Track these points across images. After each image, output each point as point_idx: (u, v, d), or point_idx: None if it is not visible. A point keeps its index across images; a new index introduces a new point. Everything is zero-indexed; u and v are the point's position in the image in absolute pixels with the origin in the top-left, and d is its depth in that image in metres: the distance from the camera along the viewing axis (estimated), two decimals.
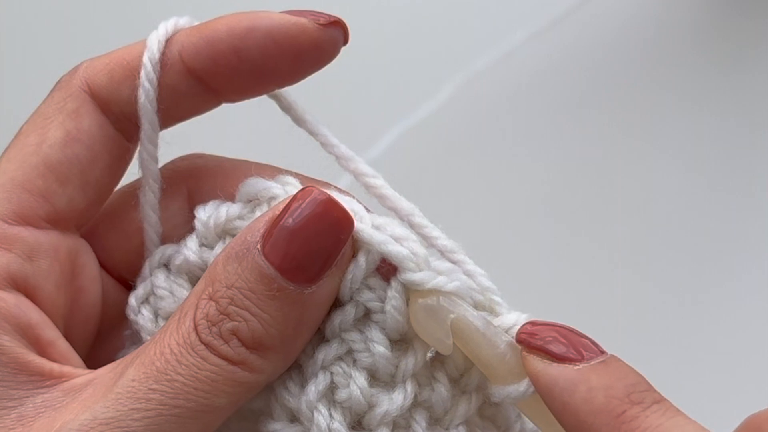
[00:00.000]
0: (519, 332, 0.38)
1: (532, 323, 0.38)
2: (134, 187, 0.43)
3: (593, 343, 0.37)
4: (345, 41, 0.41)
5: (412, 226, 0.41)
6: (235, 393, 0.37)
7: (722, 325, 0.82)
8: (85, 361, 0.40)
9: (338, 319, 0.39)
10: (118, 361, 0.38)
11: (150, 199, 0.42)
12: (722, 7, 0.90)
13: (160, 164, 0.43)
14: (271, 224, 0.37)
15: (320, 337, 0.39)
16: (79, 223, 0.41)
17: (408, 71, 0.88)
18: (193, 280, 0.41)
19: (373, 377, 0.39)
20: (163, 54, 0.41)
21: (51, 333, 0.39)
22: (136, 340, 0.42)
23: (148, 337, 0.40)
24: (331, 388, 0.39)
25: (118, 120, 0.41)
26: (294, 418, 0.39)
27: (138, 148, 0.42)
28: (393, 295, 0.39)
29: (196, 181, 0.43)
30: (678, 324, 0.83)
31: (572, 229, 0.85)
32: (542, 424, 0.38)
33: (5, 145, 0.41)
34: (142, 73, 0.40)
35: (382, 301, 0.39)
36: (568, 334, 0.37)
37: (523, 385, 0.38)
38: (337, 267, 0.38)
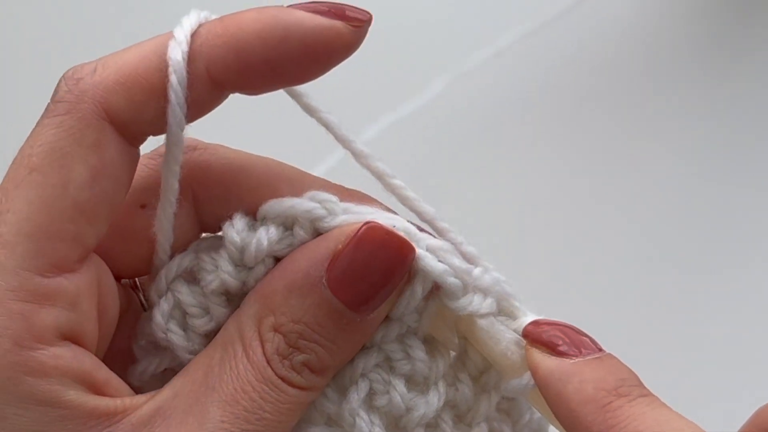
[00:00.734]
0: (524, 328, 0.40)
1: (536, 321, 0.40)
2: (136, 191, 0.41)
3: (592, 341, 0.39)
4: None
5: (436, 230, 0.41)
6: (301, 412, 0.39)
7: (728, 323, 0.83)
8: None
9: (381, 333, 0.40)
10: (173, 385, 0.39)
11: (168, 213, 0.40)
12: (716, 6, 0.90)
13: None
14: (336, 258, 0.38)
15: None
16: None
17: (398, 67, 0.88)
18: (229, 296, 0.41)
19: (409, 382, 0.41)
20: (189, 71, 0.38)
21: (103, 371, 0.39)
22: (157, 353, 0.42)
23: (187, 355, 0.40)
24: (370, 395, 0.40)
25: (136, 138, 0.39)
26: (330, 421, 0.40)
27: (162, 167, 0.40)
28: (431, 307, 0.41)
29: (202, 184, 0.41)
30: (684, 322, 0.84)
31: (559, 228, 0.86)
32: (548, 414, 0.40)
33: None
34: (172, 98, 0.38)
35: (420, 313, 0.41)
36: (569, 332, 0.39)
37: (525, 378, 0.39)
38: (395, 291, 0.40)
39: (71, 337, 0.38)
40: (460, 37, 0.90)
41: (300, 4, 0.39)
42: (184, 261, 0.41)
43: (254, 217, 0.40)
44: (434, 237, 0.40)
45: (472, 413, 0.42)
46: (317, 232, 0.39)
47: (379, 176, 0.41)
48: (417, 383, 0.41)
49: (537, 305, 0.42)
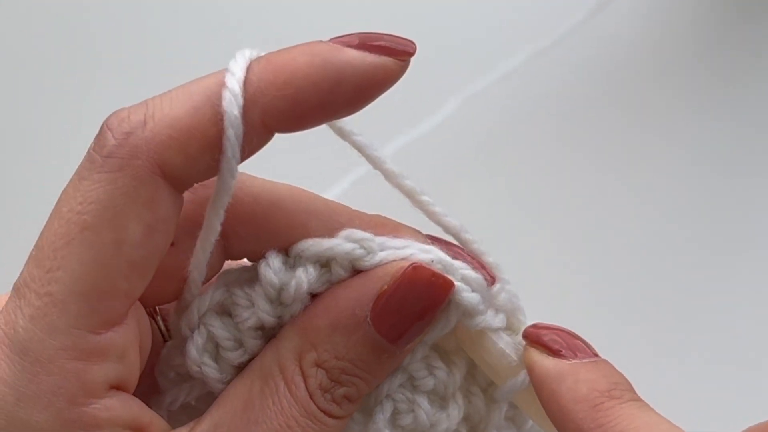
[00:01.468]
0: (524, 330, 0.41)
1: (536, 324, 0.41)
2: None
3: (588, 346, 0.40)
4: None
5: (460, 242, 0.42)
6: None
7: (728, 328, 0.84)
8: None
9: (408, 357, 0.42)
10: (212, 416, 0.39)
11: (207, 252, 0.40)
12: (725, 25, 0.91)
13: None
14: (381, 298, 0.39)
15: None
16: None
17: (409, 88, 0.88)
18: (264, 330, 0.41)
19: (430, 397, 0.42)
20: (244, 122, 0.37)
21: (147, 413, 0.39)
22: (185, 383, 0.42)
23: (220, 385, 0.41)
24: (394, 414, 0.42)
25: (185, 187, 0.39)
26: None
27: (208, 210, 0.39)
28: (451, 324, 0.41)
29: (234, 222, 0.41)
30: (686, 327, 0.84)
31: (571, 247, 0.87)
32: (535, 415, 0.42)
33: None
34: (228, 152, 0.37)
35: (443, 330, 0.41)
36: (567, 336, 0.40)
37: (521, 376, 0.41)
38: None
39: (120, 386, 0.39)
40: (471, 59, 0.89)
41: (345, 37, 0.38)
42: (216, 295, 0.41)
43: (286, 253, 0.41)
44: (465, 263, 0.41)
45: (483, 424, 0.43)
46: (355, 270, 0.40)
47: (409, 194, 0.43)
48: (437, 398, 0.42)
49: (545, 313, 0.44)
